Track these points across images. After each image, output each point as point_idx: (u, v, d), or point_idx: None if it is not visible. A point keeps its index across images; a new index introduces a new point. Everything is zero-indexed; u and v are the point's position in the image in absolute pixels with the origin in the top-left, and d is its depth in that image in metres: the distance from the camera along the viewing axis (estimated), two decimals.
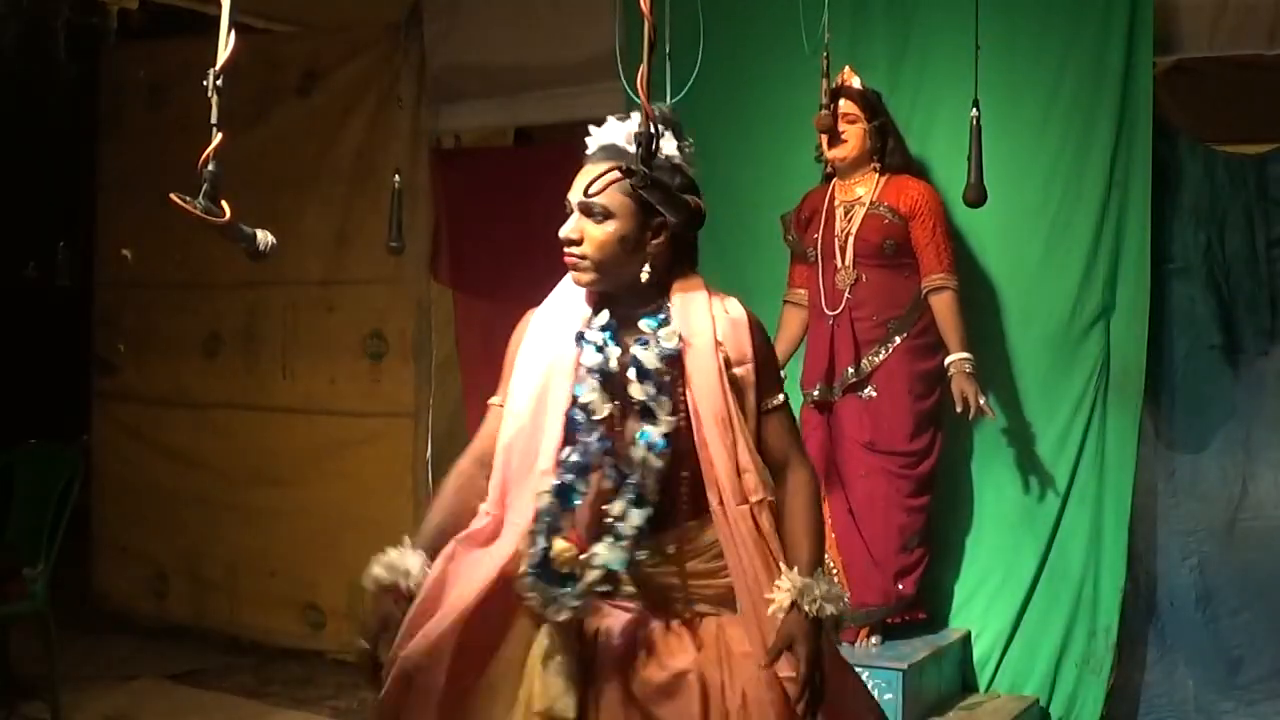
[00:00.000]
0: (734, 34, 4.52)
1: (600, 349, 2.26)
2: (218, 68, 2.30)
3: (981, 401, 3.90)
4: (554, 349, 2.30)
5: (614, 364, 2.24)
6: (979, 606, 4.26)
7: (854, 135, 4.04)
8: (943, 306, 3.98)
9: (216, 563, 5.92)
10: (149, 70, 6.09)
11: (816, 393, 4.04)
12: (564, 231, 2.26)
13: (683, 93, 2.28)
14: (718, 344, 2.24)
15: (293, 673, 5.36)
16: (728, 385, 2.22)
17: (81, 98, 6.14)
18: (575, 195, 2.28)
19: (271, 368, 5.83)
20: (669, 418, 2.21)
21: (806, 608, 2.12)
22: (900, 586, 4.03)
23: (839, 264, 4.05)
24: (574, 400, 2.24)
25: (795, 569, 2.17)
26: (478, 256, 5.38)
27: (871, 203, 4.04)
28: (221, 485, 5.89)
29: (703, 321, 2.26)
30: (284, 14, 5.86)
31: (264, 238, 2.44)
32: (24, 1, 5.13)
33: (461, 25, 5.36)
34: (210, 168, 2.31)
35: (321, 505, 5.61)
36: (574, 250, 2.26)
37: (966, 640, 4.25)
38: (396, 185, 4.69)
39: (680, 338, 2.24)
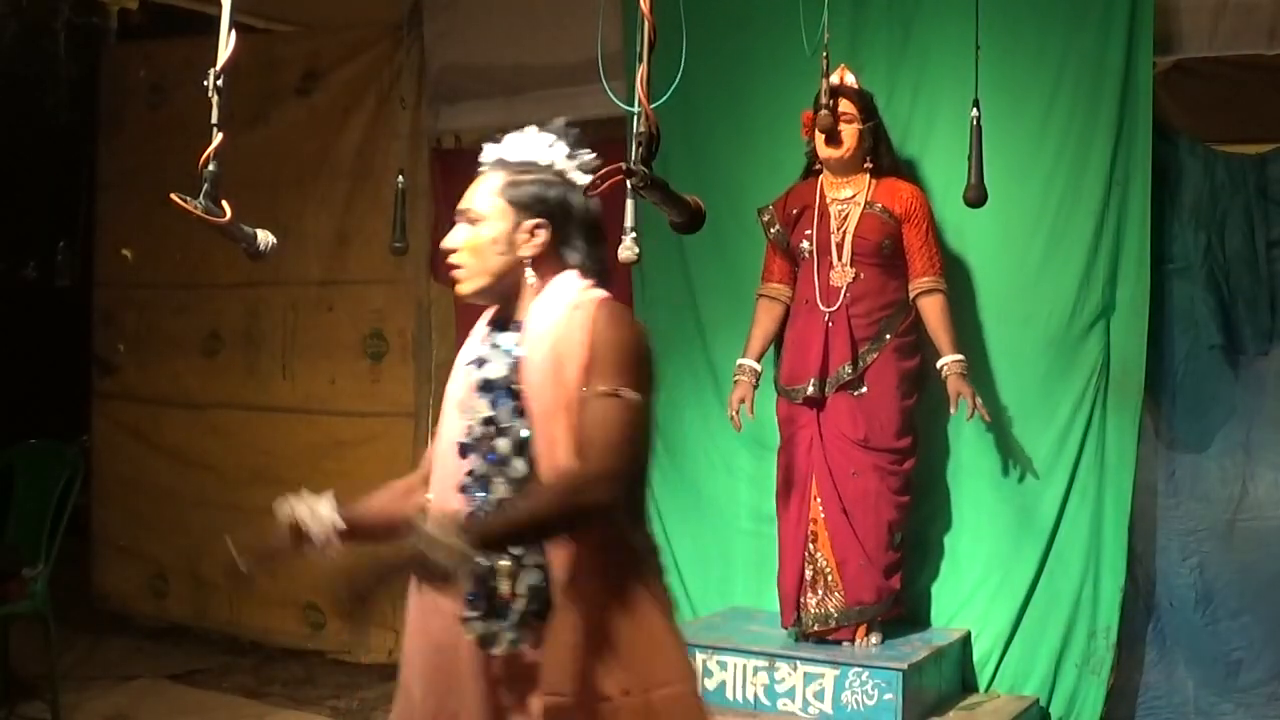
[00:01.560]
0: (734, 34, 4.53)
1: (477, 365, 2.24)
2: (218, 68, 2.30)
3: (979, 402, 3.92)
4: (456, 371, 2.30)
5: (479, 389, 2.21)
6: (979, 607, 4.26)
7: (850, 135, 4.04)
8: (934, 309, 3.99)
9: (216, 563, 5.88)
10: (149, 70, 6.10)
11: (810, 388, 4.04)
12: (444, 243, 2.25)
13: (668, 92, 2.26)
14: (555, 341, 2.14)
15: (293, 673, 5.36)
16: (561, 385, 2.12)
17: (81, 98, 6.14)
18: (459, 207, 2.27)
19: (271, 368, 5.83)
20: (519, 428, 2.15)
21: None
22: (890, 583, 4.04)
23: (835, 261, 4.05)
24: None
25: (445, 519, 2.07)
26: None
27: (867, 202, 4.05)
28: (221, 485, 5.88)
29: (547, 323, 2.16)
30: (284, 14, 5.86)
31: (264, 238, 2.44)
32: (24, 1, 5.12)
33: (461, 25, 5.36)
34: (210, 168, 2.31)
35: None
36: (451, 260, 2.24)
37: (966, 640, 4.25)
38: (400, 185, 4.69)
39: (521, 345, 2.18)
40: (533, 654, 2.13)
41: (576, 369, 2.11)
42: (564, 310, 2.16)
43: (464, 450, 2.20)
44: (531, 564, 2.12)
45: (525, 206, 2.23)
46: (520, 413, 2.15)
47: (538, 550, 2.12)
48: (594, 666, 2.09)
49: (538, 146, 2.28)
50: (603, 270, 2.27)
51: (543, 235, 2.23)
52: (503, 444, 2.16)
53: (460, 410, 2.23)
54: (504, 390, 2.18)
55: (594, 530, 2.09)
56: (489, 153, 2.31)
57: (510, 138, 2.30)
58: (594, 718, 2.09)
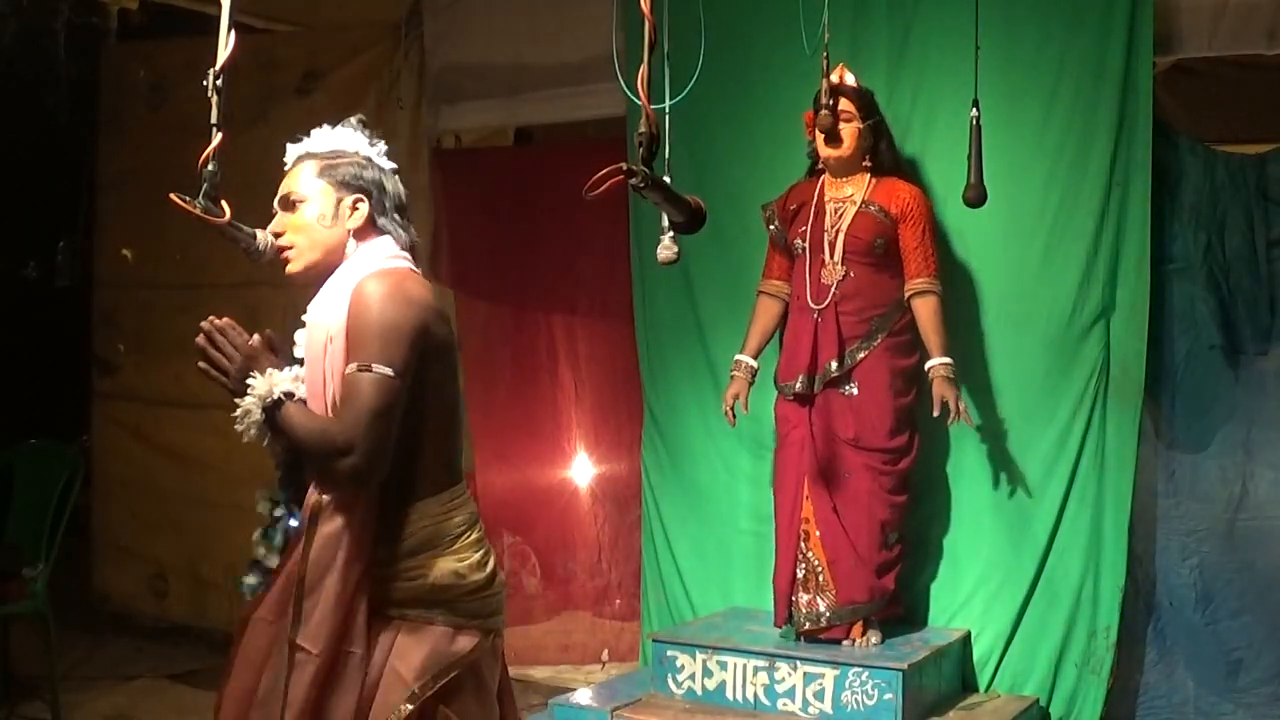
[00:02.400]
0: (734, 34, 4.53)
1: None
2: (218, 68, 2.31)
3: (962, 407, 3.91)
4: None
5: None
6: (979, 607, 4.26)
7: (849, 134, 4.05)
8: (926, 311, 3.99)
9: (216, 563, 5.91)
10: (149, 70, 6.09)
11: (798, 385, 4.05)
12: (270, 228, 2.42)
13: (683, 94, 2.27)
14: (327, 318, 2.32)
15: None
16: (328, 359, 2.29)
17: (81, 98, 6.14)
18: (277, 196, 2.46)
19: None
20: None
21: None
22: (883, 582, 4.04)
23: (827, 259, 4.06)
24: None
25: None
26: (478, 256, 5.38)
27: (864, 201, 4.05)
28: (221, 485, 5.88)
29: (327, 298, 2.35)
30: (284, 14, 5.86)
31: (264, 238, 2.46)
32: (24, 1, 5.13)
33: (461, 25, 5.36)
34: (210, 168, 2.32)
35: None
36: (281, 242, 2.42)
37: (966, 640, 4.25)
38: None
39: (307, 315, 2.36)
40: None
41: (337, 342, 2.27)
42: (345, 284, 2.31)
43: None
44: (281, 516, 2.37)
45: (344, 184, 2.40)
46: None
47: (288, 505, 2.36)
48: (287, 617, 2.27)
49: (341, 137, 2.45)
50: (412, 244, 2.47)
51: (363, 209, 2.40)
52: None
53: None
54: (296, 358, 2.38)
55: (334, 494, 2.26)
56: (292, 151, 2.48)
57: (313, 134, 2.47)
58: (289, 668, 2.25)
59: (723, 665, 4.05)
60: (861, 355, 4.03)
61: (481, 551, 2.35)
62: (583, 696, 4.17)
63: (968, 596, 4.28)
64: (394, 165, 2.51)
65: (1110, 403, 4.09)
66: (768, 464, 4.53)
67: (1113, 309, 4.09)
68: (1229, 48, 4.04)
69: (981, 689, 4.22)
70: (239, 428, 2.29)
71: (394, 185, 2.46)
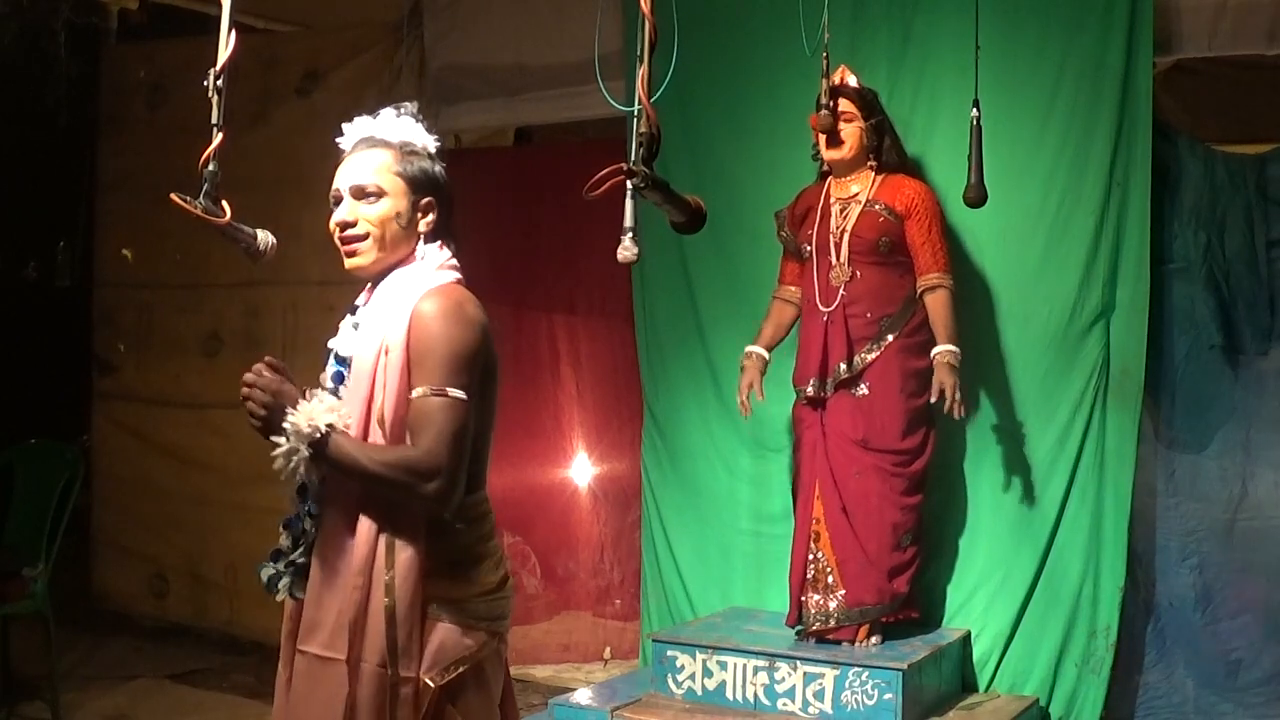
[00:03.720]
0: (734, 34, 4.53)
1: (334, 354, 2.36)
2: (218, 68, 2.31)
3: (958, 399, 3.89)
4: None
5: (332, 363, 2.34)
6: (979, 606, 4.26)
7: (851, 134, 4.04)
8: (937, 304, 3.98)
9: (216, 563, 5.91)
10: (149, 70, 6.09)
11: (810, 389, 4.05)
12: (339, 216, 2.32)
13: (660, 90, 2.26)
14: (385, 329, 2.25)
15: None
16: (381, 370, 2.23)
17: (81, 98, 6.14)
18: (345, 181, 2.33)
19: None
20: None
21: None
22: (894, 585, 4.03)
23: (834, 261, 4.06)
24: None
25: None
26: (477, 257, 5.35)
27: (868, 201, 4.05)
28: (221, 485, 5.88)
29: (386, 306, 2.28)
30: (284, 14, 5.86)
31: (264, 238, 2.45)
32: (24, 1, 5.12)
33: (461, 25, 5.36)
34: (210, 168, 2.32)
35: None
36: (350, 233, 2.32)
37: (966, 640, 4.25)
38: None
39: (362, 323, 2.31)
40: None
41: (397, 361, 2.21)
42: (407, 299, 2.26)
43: None
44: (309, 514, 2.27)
45: (418, 182, 2.33)
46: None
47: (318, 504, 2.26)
48: (327, 627, 2.22)
49: (410, 127, 2.36)
50: (459, 250, 2.40)
51: (431, 214, 2.34)
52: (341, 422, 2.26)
53: (325, 385, 2.34)
54: (343, 364, 2.31)
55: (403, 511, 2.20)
56: (356, 132, 2.37)
57: (381, 119, 2.37)
58: (319, 675, 2.22)
59: (723, 665, 4.05)
60: (871, 357, 4.02)
61: (497, 556, 2.34)
62: (583, 696, 4.17)
63: (968, 596, 4.28)
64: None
65: (1110, 403, 4.09)
66: (768, 464, 4.54)
67: (1113, 309, 4.09)
68: (1229, 48, 4.04)
69: (981, 689, 4.22)
70: (281, 466, 2.20)
71: (449, 184, 2.40)
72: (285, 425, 2.17)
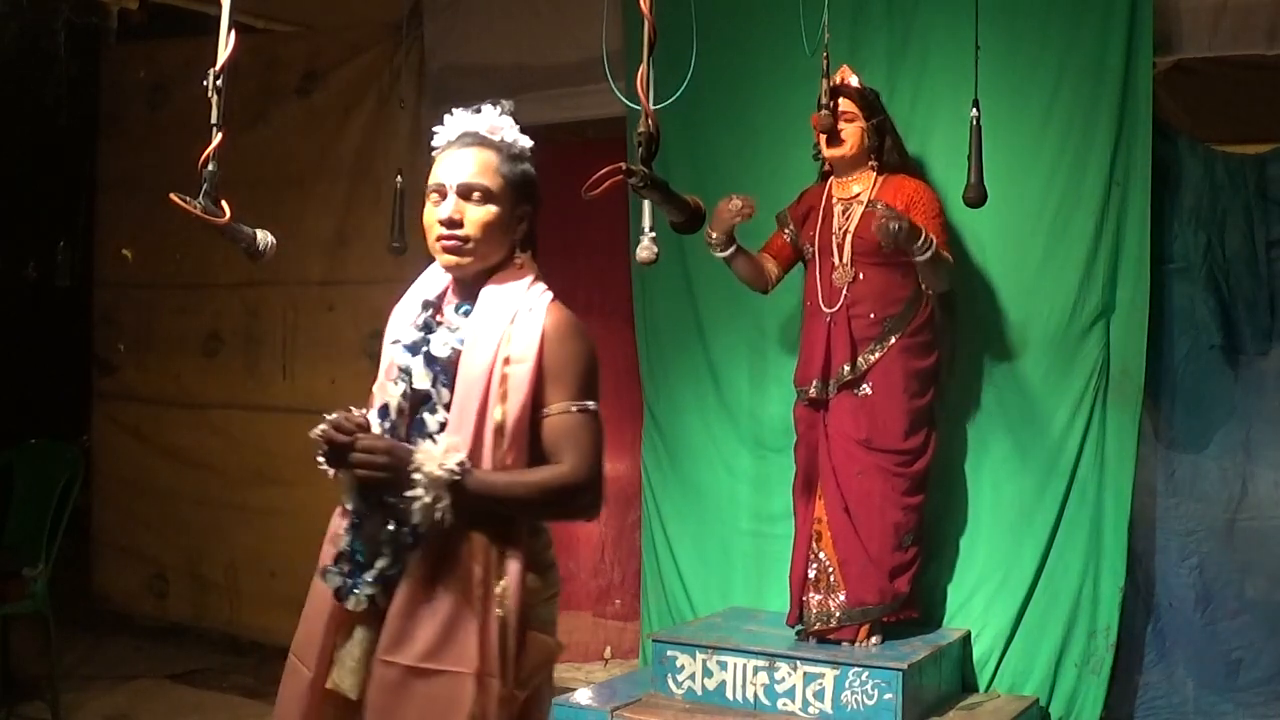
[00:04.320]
0: (734, 34, 4.53)
1: (412, 349, 2.28)
2: (218, 68, 2.31)
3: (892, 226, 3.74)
4: (389, 347, 2.34)
5: (415, 362, 2.27)
6: (979, 606, 4.26)
7: (852, 134, 4.04)
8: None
9: (216, 563, 5.92)
10: (149, 70, 6.10)
11: (812, 390, 4.05)
12: (445, 213, 2.24)
13: (674, 96, 2.26)
14: (504, 339, 2.20)
15: None
16: (496, 381, 2.18)
17: (81, 98, 6.14)
18: (452, 177, 2.26)
19: (271, 368, 5.83)
20: (445, 406, 2.21)
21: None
22: (896, 585, 4.03)
23: (836, 261, 4.05)
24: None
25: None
26: None
27: (870, 201, 4.04)
28: (221, 485, 5.89)
29: (497, 313, 2.23)
30: (284, 14, 5.86)
31: (264, 238, 2.45)
32: (24, 1, 5.12)
33: (461, 25, 5.36)
34: (210, 168, 2.32)
35: (321, 505, 5.53)
36: (456, 233, 2.24)
37: (966, 640, 4.25)
38: (399, 185, 4.69)
39: (469, 329, 2.24)
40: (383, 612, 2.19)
41: (523, 375, 2.16)
42: (522, 309, 2.21)
43: (384, 414, 2.26)
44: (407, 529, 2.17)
45: (520, 189, 2.28)
46: (450, 390, 2.21)
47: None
48: (429, 638, 2.14)
49: (510, 129, 2.31)
50: (534, 249, 2.34)
51: (526, 222, 2.30)
52: (431, 420, 2.22)
53: (393, 377, 2.27)
54: (438, 367, 2.23)
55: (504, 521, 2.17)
56: (458, 126, 2.31)
57: (485, 116, 2.31)
58: (412, 685, 2.14)
59: (723, 665, 4.05)
60: (875, 357, 4.01)
61: (552, 560, 2.32)
62: (583, 696, 4.17)
63: (968, 596, 4.28)
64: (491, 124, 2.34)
65: (1110, 403, 4.09)
66: (768, 464, 4.54)
67: (1113, 309, 4.09)
68: (1229, 48, 4.03)
69: (981, 689, 4.22)
70: (424, 519, 2.10)
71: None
72: (417, 478, 2.09)
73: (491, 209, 2.24)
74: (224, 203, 2.35)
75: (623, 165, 2.21)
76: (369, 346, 5.58)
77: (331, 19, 5.82)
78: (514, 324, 2.20)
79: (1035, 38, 4.13)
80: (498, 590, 2.15)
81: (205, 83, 2.32)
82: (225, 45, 2.31)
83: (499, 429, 2.17)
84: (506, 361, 2.18)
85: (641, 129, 2.21)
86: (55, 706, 4.55)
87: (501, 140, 2.29)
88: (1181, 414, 4.16)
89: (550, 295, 2.26)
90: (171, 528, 6.03)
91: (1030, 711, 4.07)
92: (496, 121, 2.30)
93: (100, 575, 6.34)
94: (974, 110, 3.50)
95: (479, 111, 2.31)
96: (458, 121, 2.31)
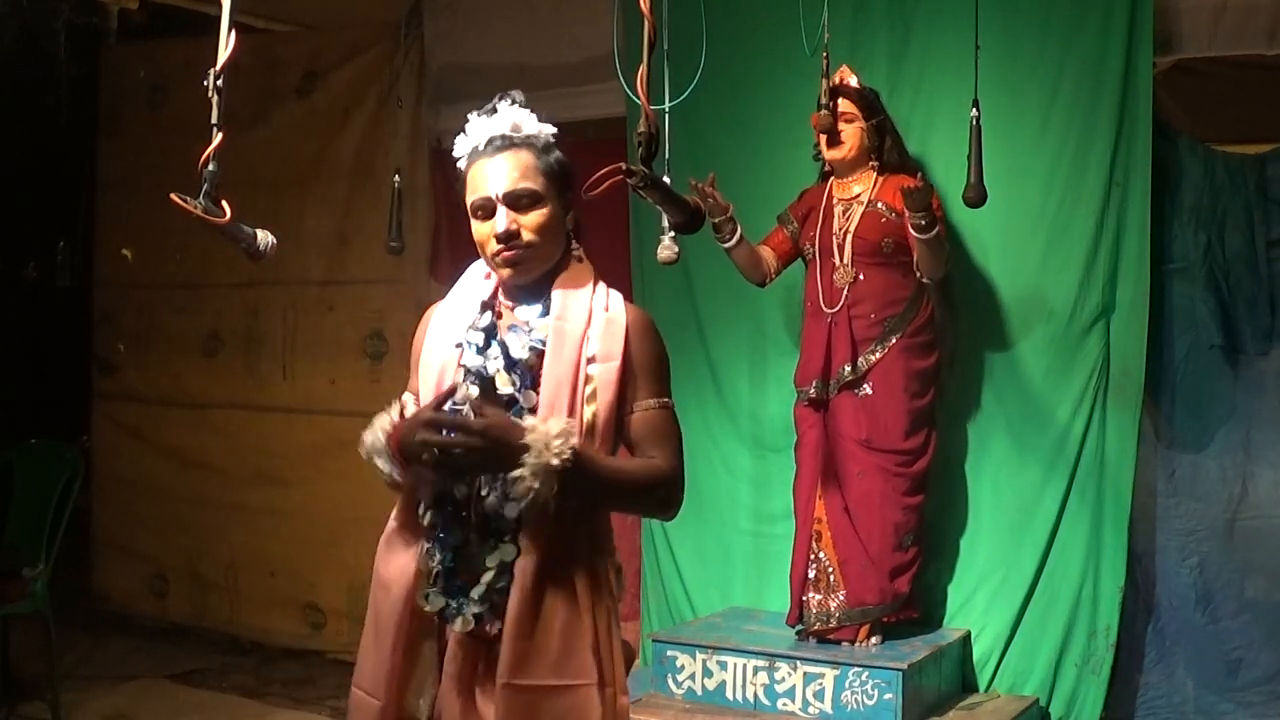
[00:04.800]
0: (734, 34, 4.52)
1: (480, 350, 2.21)
2: (218, 68, 2.30)
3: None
4: (446, 350, 2.26)
5: (490, 364, 2.18)
6: (979, 606, 4.26)
7: (852, 134, 4.04)
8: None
9: (216, 563, 5.92)
10: (149, 70, 6.10)
11: (813, 390, 4.05)
12: (501, 227, 2.15)
13: (684, 94, 2.27)
14: (584, 339, 2.16)
15: (293, 673, 5.36)
16: (582, 381, 2.13)
17: (81, 98, 6.14)
18: (495, 188, 2.17)
19: (271, 368, 5.83)
20: (531, 410, 2.14)
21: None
22: (896, 585, 4.03)
23: (837, 262, 4.05)
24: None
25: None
26: (477, 256, 5.37)
27: (870, 201, 4.04)
28: (221, 485, 5.89)
29: (578, 314, 2.18)
30: (284, 14, 5.86)
31: (264, 238, 2.44)
32: (24, 1, 5.12)
33: (461, 25, 5.36)
34: (210, 168, 2.31)
35: (321, 505, 5.61)
36: (516, 244, 2.16)
37: (966, 640, 4.25)
38: (397, 185, 4.69)
39: (551, 330, 2.17)
40: (494, 632, 2.10)
41: (609, 375, 2.13)
42: (598, 309, 2.19)
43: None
44: (508, 540, 2.10)
45: (562, 182, 2.22)
46: (534, 392, 2.14)
47: (513, 527, 2.09)
48: (551, 654, 2.06)
49: (531, 121, 2.26)
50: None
51: (572, 209, 2.25)
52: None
53: (466, 376, 2.19)
54: (519, 369, 2.17)
55: (586, 524, 2.13)
56: (485, 130, 2.24)
57: (504, 114, 2.25)
58: (541, 704, 2.06)
59: (723, 665, 4.05)
60: (875, 357, 4.01)
61: (620, 564, 2.26)
62: None
63: (968, 596, 4.28)
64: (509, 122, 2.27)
65: (1110, 403, 4.09)
66: (768, 464, 4.54)
67: (1113, 309, 4.09)
68: (1229, 48, 4.04)
69: (981, 689, 4.22)
70: (529, 502, 2.01)
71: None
72: (527, 458, 1.99)
73: (543, 211, 2.17)
74: (224, 203, 2.35)
75: (623, 165, 2.21)
76: (369, 346, 5.59)
77: (331, 19, 5.82)
78: (592, 323, 2.17)
79: (1035, 38, 4.13)
80: (609, 605, 2.14)
81: (205, 83, 2.31)
82: (225, 45, 2.31)
83: (590, 428, 2.12)
84: (590, 361, 2.15)
85: (641, 129, 2.21)
86: (55, 706, 4.55)
87: (529, 136, 2.23)
88: (1181, 414, 4.16)
89: (620, 294, 2.25)
90: (171, 528, 6.03)
91: (1030, 711, 4.07)
92: (517, 117, 2.24)
93: (100, 575, 6.34)
94: (974, 110, 3.49)
95: (495, 112, 2.26)
96: (477, 128, 2.25)
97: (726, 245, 4.10)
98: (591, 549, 2.14)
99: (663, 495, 2.17)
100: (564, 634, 2.06)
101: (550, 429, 2.01)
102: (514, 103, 2.26)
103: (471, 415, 2.06)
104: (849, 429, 4.03)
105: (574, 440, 2.02)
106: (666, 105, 2.18)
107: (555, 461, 1.99)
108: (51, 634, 4.53)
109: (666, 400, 2.19)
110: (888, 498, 4.02)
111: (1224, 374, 4.12)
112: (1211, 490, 4.13)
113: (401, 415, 2.21)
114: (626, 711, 2.14)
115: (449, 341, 2.25)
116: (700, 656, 4.07)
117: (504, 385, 2.16)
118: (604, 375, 2.14)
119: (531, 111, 2.27)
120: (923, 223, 3.77)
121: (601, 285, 2.23)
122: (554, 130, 2.26)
